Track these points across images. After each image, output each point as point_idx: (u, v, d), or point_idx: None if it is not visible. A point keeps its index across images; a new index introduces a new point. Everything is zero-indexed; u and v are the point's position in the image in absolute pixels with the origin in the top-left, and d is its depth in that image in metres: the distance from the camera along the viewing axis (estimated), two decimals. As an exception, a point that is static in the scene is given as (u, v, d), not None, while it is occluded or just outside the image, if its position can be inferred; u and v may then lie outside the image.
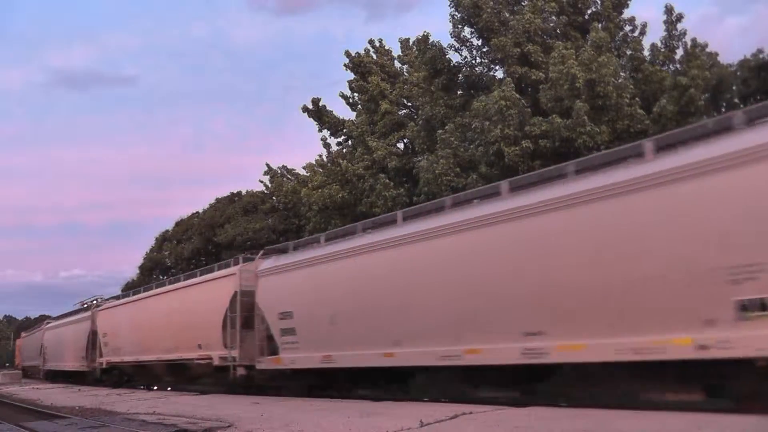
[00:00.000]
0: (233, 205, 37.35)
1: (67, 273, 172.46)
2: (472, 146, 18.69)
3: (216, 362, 16.71)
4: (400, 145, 24.51)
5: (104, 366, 25.19)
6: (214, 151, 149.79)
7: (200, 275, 19.82)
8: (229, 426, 9.63)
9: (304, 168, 28.32)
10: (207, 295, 17.73)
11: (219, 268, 18.80)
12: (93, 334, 26.37)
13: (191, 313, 18.46)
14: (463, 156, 18.59)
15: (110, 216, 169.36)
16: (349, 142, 26.29)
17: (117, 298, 27.82)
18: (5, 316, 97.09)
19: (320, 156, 27.07)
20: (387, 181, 21.52)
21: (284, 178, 29.42)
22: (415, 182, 21.03)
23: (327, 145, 26.91)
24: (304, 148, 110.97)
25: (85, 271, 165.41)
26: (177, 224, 42.56)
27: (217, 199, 39.75)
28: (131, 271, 54.73)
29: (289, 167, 30.69)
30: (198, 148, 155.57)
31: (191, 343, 18.16)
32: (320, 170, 25.88)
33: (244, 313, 15.75)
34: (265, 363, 15.23)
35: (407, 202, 20.01)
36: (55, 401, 17.88)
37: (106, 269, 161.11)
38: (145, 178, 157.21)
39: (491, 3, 19.30)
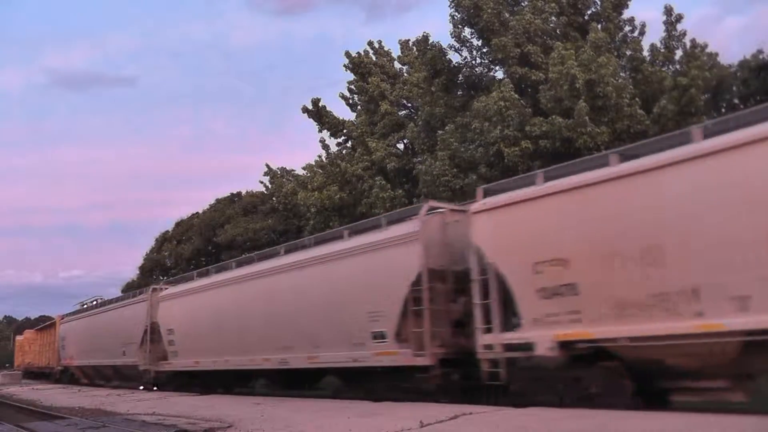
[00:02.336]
0: (233, 206, 37.37)
1: (67, 273, 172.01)
2: (472, 147, 18.69)
3: None
4: (400, 146, 24.51)
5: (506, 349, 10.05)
6: (214, 152, 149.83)
7: None
8: (229, 426, 9.64)
9: (303, 169, 28.34)
10: None
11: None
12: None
13: None
14: (463, 156, 18.59)
15: (110, 216, 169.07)
16: (349, 143, 26.28)
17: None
18: (5, 316, 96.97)
19: (320, 157, 27.08)
20: (383, 183, 21.53)
21: (284, 179, 29.41)
22: (415, 183, 21.03)
23: (326, 147, 26.93)
24: (304, 149, 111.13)
25: (84, 272, 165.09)
26: (177, 225, 42.57)
27: (217, 200, 39.81)
28: (131, 272, 54.65)
29: (288, 169, 30.72)
30: (198, 148, 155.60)
31: None
32: (320, 171, 25.86)
33: None
34: None
35: (406, 203, 19.99)
36: (55, 402, 17.88)
37: (106, 269, 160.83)
38: (145, 179, 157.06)
39: (491, 3, 19.28)
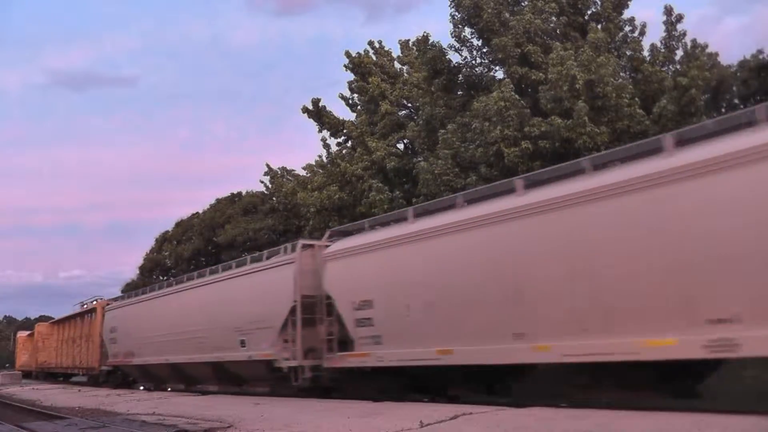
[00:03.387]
0: (233, 206, 37.40)
1: (67, 273, 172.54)
2: (472, 147, 18.69)
3: None
4: (400, 146, 24.52)
5: None
6: (213, 152, 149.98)
7: None
8: (229, 426, 9.63)
9: (303, 169, 28.40)
10: None
11: None
12: None
13: None
14: (464, 156, 18.59)
15: (110, 216, 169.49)
16: (349, 142, 26.30)
17: None
18: (5, 316, 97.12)
19: (320, 157, 27.09)
20: (380, 185, 21.52)
21: (284, 179, 29.44)
22: (415, 183, 21.02)
23: (327, 146, 26.93)
24: (303, 149, 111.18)
25: (84, 272, 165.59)
26: (177, 225, 42.61)
27: (217, 200, 39.89)
28: (131, 272, 54.61)
29: (288, 168, 30.76)
30: (198, 148, 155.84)
31: None
32: (320, 171, 25.89)
33: None
34: None
35: (404, 204, 19.98)
36: (55, 402, 17.86)
37: (106, 269, 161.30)
38: (145, 179, 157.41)
39: (491, 3, 19.29)
